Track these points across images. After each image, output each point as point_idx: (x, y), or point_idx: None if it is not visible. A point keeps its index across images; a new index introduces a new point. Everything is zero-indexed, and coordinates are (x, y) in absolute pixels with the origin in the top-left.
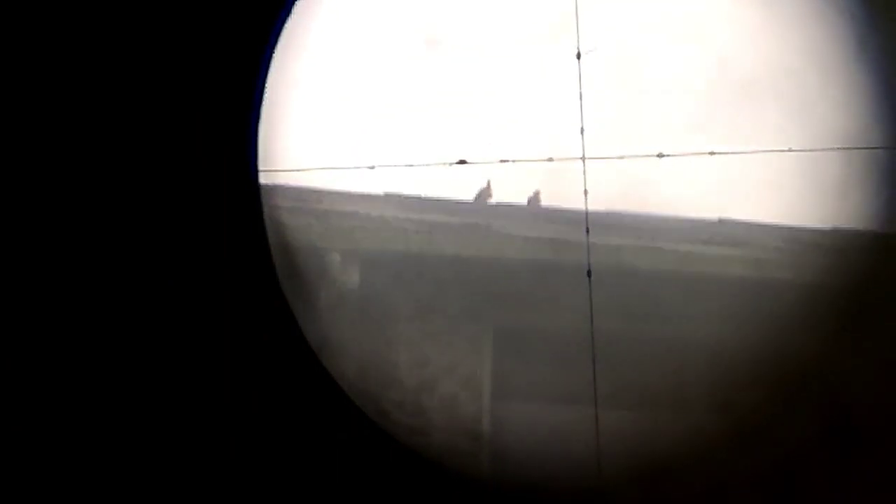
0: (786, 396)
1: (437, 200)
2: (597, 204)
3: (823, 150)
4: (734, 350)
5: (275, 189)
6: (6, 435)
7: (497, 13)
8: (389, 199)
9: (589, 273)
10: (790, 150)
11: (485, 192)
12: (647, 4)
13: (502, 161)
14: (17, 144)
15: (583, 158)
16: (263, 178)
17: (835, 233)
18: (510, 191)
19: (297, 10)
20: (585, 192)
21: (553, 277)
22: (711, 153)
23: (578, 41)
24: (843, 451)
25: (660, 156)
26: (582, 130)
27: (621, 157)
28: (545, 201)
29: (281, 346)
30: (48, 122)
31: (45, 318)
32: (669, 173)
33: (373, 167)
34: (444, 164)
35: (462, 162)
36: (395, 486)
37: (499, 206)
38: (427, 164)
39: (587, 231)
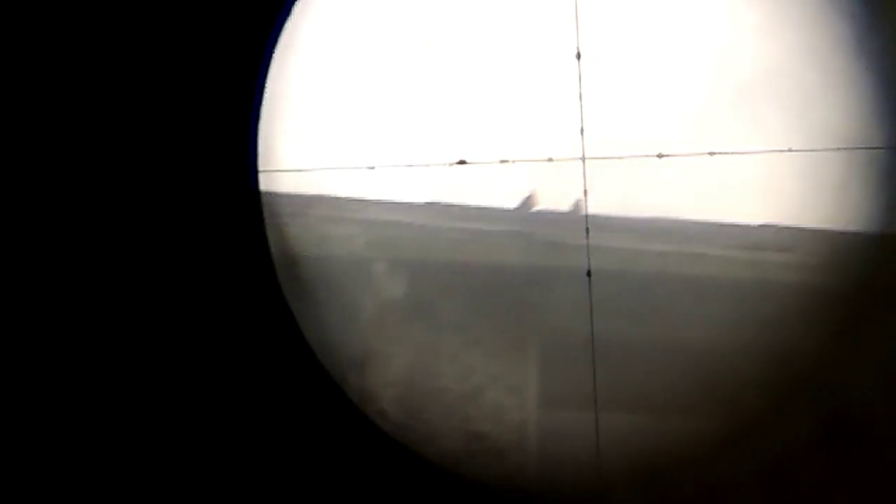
0: (786, 397)
1: (480, 208)
2: (597, 205)
3: (823, 150)
4: (734, 350)
5: (310, 199)
6: (4, 435)
7: (497, 13)
8: (431, 207)
9: (588, 276)
10: (790, 150)
11: (529, 201)
12: (647, 4)
13: (502, 161)
14: (15, 147)
15: (583, 158)
16: (267, 180)
17: (835, 234)
18: (510, 191)
19: (296, 10)
20: (585, 192)
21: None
22: (711, 153)
23: (578, 41)
24: (842, 451)
25: (660, 156)
26: (582, 130)
27: (621, 158)
28: (549, 204)
29: (281, 347)
30: (44, 122)
31: (43, 324)
32: (669, 173)
33: (373, 167)
34: (444, 164)
35: (462, 162)
36: (395, 487)
37: (540, 212)
38: (427, 164)
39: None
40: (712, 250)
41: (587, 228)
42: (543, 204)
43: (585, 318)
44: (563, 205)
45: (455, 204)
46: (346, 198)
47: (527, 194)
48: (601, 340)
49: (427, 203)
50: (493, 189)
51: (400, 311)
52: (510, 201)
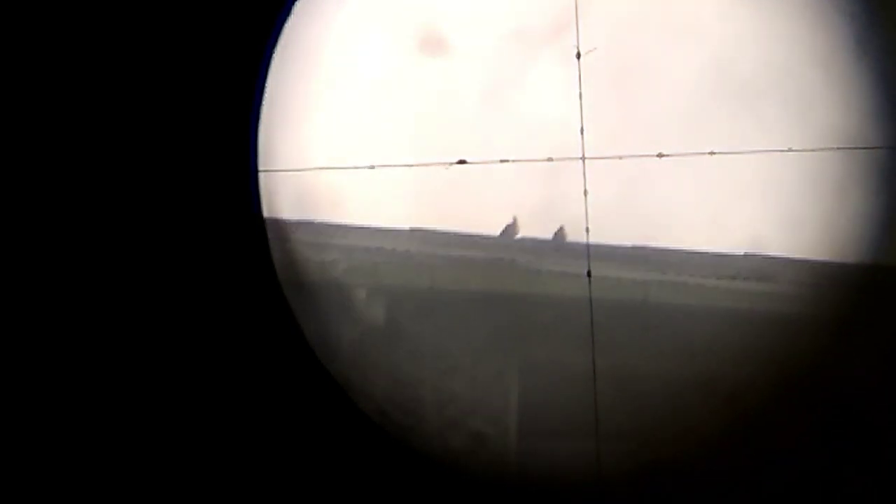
0: (786, 397)
1: (463, 236)
2: (597, 206)
3: (823, 150)
4: (735, 351)
5: (298, 225)
6: (3, 435)
7: (497, 13)
8: (414, 234)
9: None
10: (790, 150)
11: (511, 228)
12: (647, 4)
13: (502, 161)
14: (15, 147)
15: (583, 158)
16: (267, 180)
17: (819, 264)
18: (510, 191)
19: (296, 10)
20: (585, 192)
21: (577, 312)
22: (711, 153)
23: (578, 41)
24: (843, 450)
25: (660, 156)
26: (582, 130)
27: (621, 157)
28: (548, 202)
29: (281, 347)
30: (44, 123)
31: (43, 325)
32: (669, 173)
33: (372, 167)
34: (444, 164)
35: (462, 162)
36: (396, 486)
37: (524, 240)
38: (427, 164)
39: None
40: (693, 279)
41: (569, 255)
42: (525, 231)
43: (572, 344)
44: (546, 232)
45: (437, 231)
46: (326, 223)
47: (509, 221)
48: (585, 371)
49: (410, 229)
50: (493, 189)
51: (379, 337)
52: (509, 201)
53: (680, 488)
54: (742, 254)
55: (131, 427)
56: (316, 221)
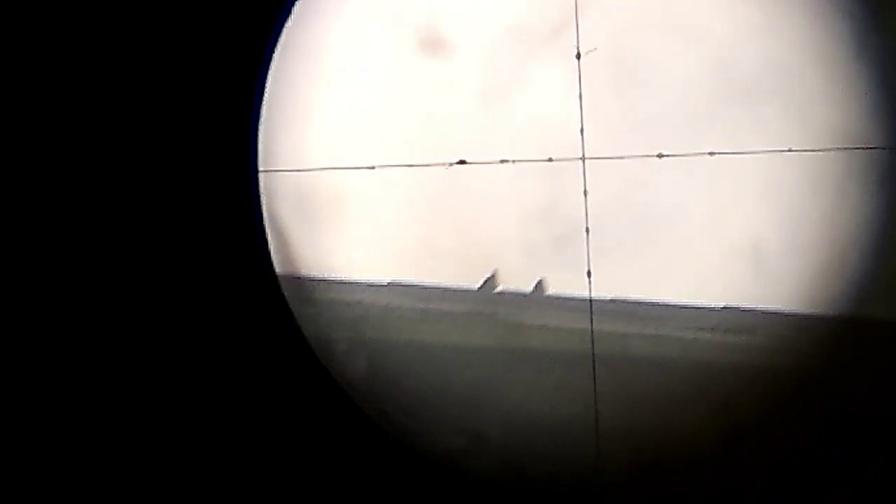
0: (786, 396)
1: (442, 289)
2: (597, 206)
3: (823, 150)
4: (736, 351)
5: (283, 279)
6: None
7: (497, 13)
8: (394, 288)
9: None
10: (790, 150)
11: (491, 281)
12: (647, 4)
13: (502, 161)
14: (15, 147)
15: (583, 158)
16: (267, 180)
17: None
18: (510, 191)
19: (296, 10)
20: (585, 192)
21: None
22: (711, 153)
23: (578, 41)
24: (843, 450)
25: (660, 156)
26: (582, 130)
27: (621, 158)
28: (548, 202)
29: (281, 347)
30: (44, 123)
31: (43, 325)
32: (669, 173)
33: (372, 167)
34: (444, 164)
35: (462, 162)
36: (396, 486)
37: (504, 294)
38: (427, 164)
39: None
40: (673, 332)
41: (549, 308)
42: (505, 284)
43: (546, 399)
44: (526, 286)
45: (416, 284)
46: (308, 277)
47: (488, 274)
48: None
49: (389, 283)
50: (493, 189)
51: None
52: (509, 201)
53: (680, 488)
54: (721, 307)
55: (131, 427)
56: (301, 277)
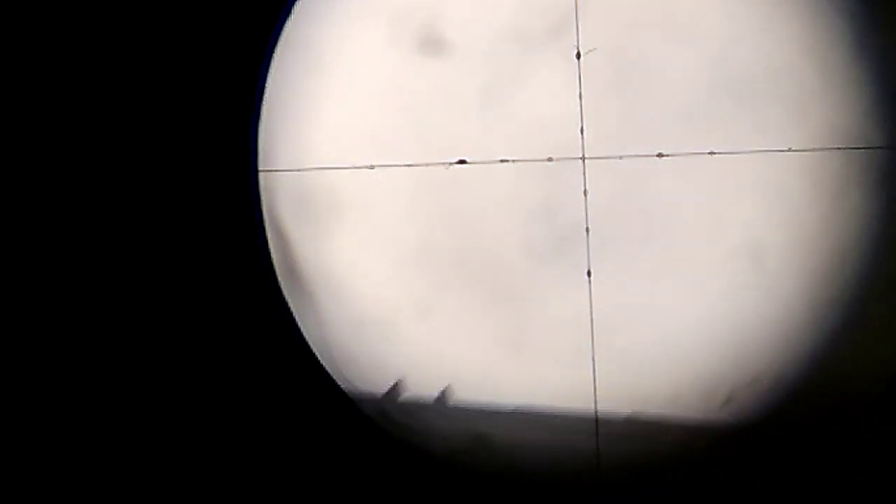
0: (787, 396)
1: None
2: (597, 206)
3: (823, 150)
4: (736, 348)
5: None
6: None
7: (496, 13)
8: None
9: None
10: (790, 150)
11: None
12: (647, 4)
13: (502, 161)
14: (15, 147)
15: (583, 158)
16: (267, 180)
17: None
18: (510, 191)
19: (296, 10)
20: (585, 192)
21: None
22: (711, 153)
23: (578, 41)
24: (843, 450)
25: (660, 156)
26: (582, 130)
27: (621, 157)
28: (548, 202)
29: (281, 347)
30: (43, 124)
31: (43, 325)
32: (669, 173)
33: (372, 167)
34: (444, 164)
35: (462, 162)
36: (396, 486)
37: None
38: (427, 164)
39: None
40: None
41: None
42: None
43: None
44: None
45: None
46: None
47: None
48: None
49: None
50: (493, 189)
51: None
52: (509, 201)
53: (680, 488)
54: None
55: (131, 427)
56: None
